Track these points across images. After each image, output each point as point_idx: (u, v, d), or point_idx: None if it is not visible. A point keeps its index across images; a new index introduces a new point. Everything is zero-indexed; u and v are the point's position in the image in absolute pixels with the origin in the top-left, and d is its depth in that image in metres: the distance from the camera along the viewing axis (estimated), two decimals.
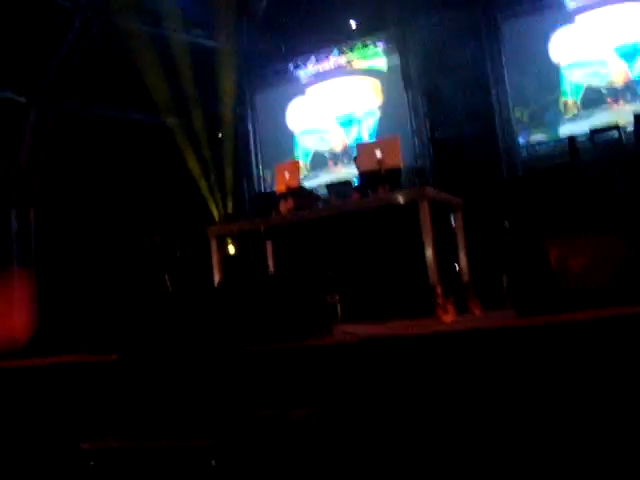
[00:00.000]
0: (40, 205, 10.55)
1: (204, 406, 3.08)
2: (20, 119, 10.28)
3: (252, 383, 3.33)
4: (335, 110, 11.71)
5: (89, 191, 10.72)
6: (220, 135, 11.51)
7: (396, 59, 11.11)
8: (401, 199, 5.10)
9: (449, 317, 4.69)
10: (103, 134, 10.84)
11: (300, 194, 5.73)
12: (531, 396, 2.83)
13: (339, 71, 11.76)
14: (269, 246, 6.49)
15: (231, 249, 9.07)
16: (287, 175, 5.81)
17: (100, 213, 10.82)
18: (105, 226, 10.71)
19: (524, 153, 10.18)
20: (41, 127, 10.48)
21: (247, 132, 12.30)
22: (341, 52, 11.65)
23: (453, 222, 6.00)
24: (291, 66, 11.99)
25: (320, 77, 11.90)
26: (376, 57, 11.50)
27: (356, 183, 6.24)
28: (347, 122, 11.63)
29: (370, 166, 5.37)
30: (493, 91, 10.28)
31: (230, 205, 11.52)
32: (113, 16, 10.48)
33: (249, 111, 12.35)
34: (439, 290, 4.84)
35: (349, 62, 11.65)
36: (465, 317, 4.99)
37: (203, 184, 11.56)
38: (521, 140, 10.21)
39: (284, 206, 5.68)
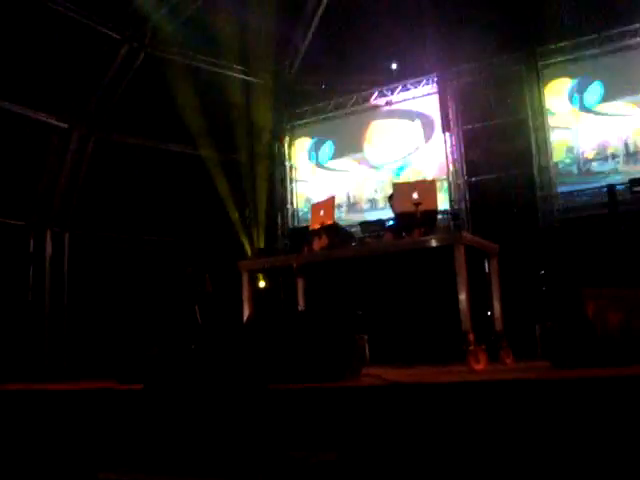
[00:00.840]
0: (75, 230, 10.68)
1: (227, 444, 3.02)
2: (61, 145, 10.47)
3: (277, 422, 3.26)
4: (373, 151, 11.73)
5: (124, 219, 10.83)
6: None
7: (436, 102, 11.13)
8: (437, 242, 5.02)
9: (480, 366, 4.58)
10: (141, 163, 10.98)
11: (334, 232, 5.67)
12: (560, 453, 2.72)
13: (378, 112, 11.80)
14: (300, 283, 6.43)
15: (262, 284, 9.05)
16: (322, 212, 5.76)
17: (134, 241, 10.90)
18: (138, 254, 10.79)
19: (562, 201, 10.05)
20: (81, 153, 10.65)
21: (284, 168, 12.36)
22: (381, 93, 11.70)
23: (487, 268, 5.88)
24: (331, 105, 12.06)
25: (359, 118, 11.94)
26: (416, 100, 11.52)
27: (390, 223, 6.17)
28: (384, 164, 11.62)
29: (406, 207, 5.30)
30: (533, 138, 10.21)
31: (263, 240, 11.54)
32: (158, 49, 10.69)
33: (286, 147, 12.42)
34: (471, 337, 4.72)
35: (389, 104, 11.67)
36: (496, 366, 4.87)
37: (237, 218, 11.62)
38: (559, 188, 10.09)
39: (317, 243, 5.63)
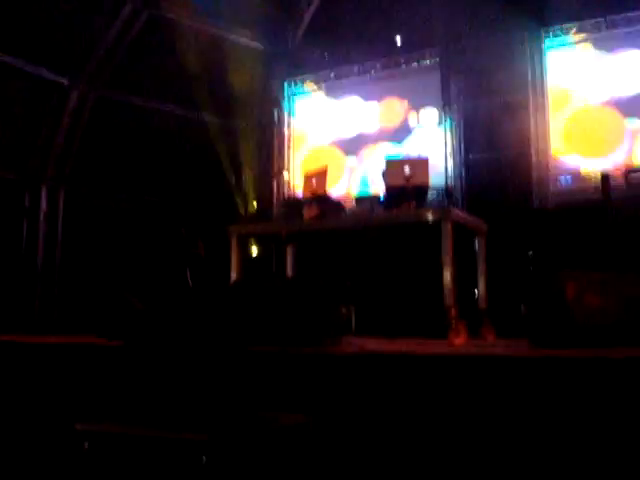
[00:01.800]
0: (71, 186, 10.69)
1: (203, 401, 3.09)
2: (60, 101, 10.44)
3: (253, 384, 3.33)
4: (371, 124, 11.70)
5: (121, 177, 10.85)
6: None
7: (437, 78, 11.07)
8: (425, 217, 5.07)
9: (460, 340, 4.66)
10: (140, 124, 10.94)
11: (325, 202, 5.71)
12: (528, 429, 2.79)
13: (380, 85, 11.75)
14: (290, 251, 6.47)
15: (252, 250, 9.09)
16: (314, 181, 5.80)
17: (130, 200, 10.93)
18: (133, 213, 10.82)
19: (557, 185, 10.07)
20: (80, 110, 10.63)
21: (282, 136, 12.33)
22: (384, 66, 11.64)
23: (477, 246, 5.94)
24: (332, 75, 12.00)
25: (361, 89, 11.89)
26: (418, 74, 11.47)
27: (382, 198, 6.20)
28: (383, 137, 11.60)
29: (397, 181, 5.36)
30: (532, 119, 10.19)
31: (256, 206, 11.56)
32: (162, 8, 10.62)
33: (286, 115, 12.38)
34: (453, 312, 4.80)
35: (391, 76, 11.62)
36: (476, 343, 4.94)
37: (234, 183, 11.62)
38: (555, 171, 10.09)
39: (308, 212, 5.67)
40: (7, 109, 9.72)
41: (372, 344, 4.35)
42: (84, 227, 10.49)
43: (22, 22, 9.41)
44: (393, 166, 5.62)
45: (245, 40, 11.64)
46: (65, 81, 10.41)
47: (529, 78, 10.31)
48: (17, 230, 10.26)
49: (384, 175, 5.88)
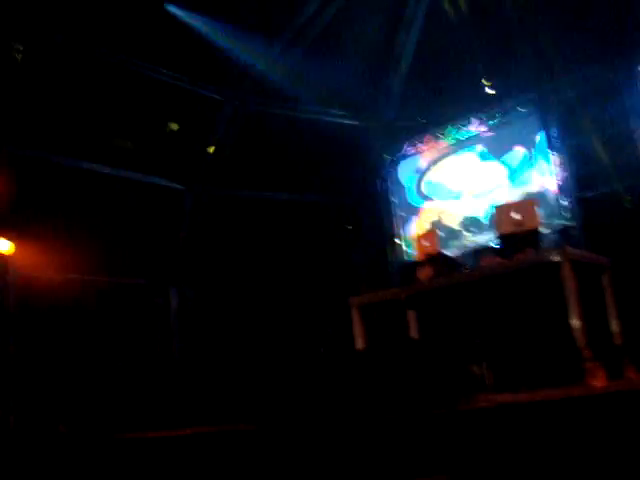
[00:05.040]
0: (198, 284, 11.20)
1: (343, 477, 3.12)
2: (177, 205, 11.07)
3: (394, 450, 3.34)
4: (474, 178, 11.66)
5: (242, 268, 11.26)
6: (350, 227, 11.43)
7: (537, 121, 10.97)
8: (541, 260, 4.99)
9: (599, 382, 4.48)
10: (255, 215, 11.41)
11: (439, 261, 5.75)
12: None
13: (479, 139, 11.74)
14: (412, 314, 6.49)
15: (375, 318, 9.13)
16: (425, 243, 5.86)
17: (253, 288, 11.30)
18: (258, 300, 11.17)
19: None
20: (197, 211, 11.21)
21: (389, 204, 12.47)
22: (480, 119, 11.65)
23: (603, 282, 5.75)
24: (431, 137, 12.12)
25: (460, 146, 11.92)
26: (516, 121, 11.39)
27: (495, 246, 6.17)
28: (487, 191, 11.51)
29: (508, 228, 5.33)
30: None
31: (374, 275, 11.64)
32: (258, 103, 11.17)
33: (390, 184, 12.54)
34: (587, 354, 4.64)
35: (489, 129, 11.60)
36: (618, 383, 4.73)
37: (349, 257, 11.80)
38: None
39: (423, 273, 5.73)
40: (129, 219, 10.39)
41: (508, 398, 4.27)
42: (214, 321, 10.92)
43: (136, 139, 10.20)
44: (502, 213, 5.59)
45: (340, 119, 12.00)
46: (179, 186, 11.05)
47: (627, 105, 10.02)
48: (153, 330, 10.76)
49: (494, 223, 5.87)
